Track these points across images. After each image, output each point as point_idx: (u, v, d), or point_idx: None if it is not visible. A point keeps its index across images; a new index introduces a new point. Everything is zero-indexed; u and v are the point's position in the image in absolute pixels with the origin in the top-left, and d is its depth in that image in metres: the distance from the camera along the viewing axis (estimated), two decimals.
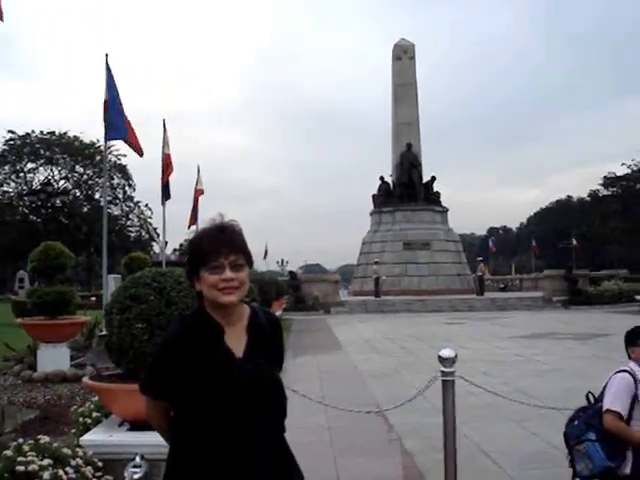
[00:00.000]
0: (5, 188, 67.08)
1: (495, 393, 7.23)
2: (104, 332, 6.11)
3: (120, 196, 69.21)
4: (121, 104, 15.35)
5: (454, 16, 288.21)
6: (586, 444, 4.45)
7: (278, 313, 25.50)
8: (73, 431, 6.39)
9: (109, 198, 59.73)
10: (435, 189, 49.32)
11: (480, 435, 8.06)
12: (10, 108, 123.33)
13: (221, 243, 2.49)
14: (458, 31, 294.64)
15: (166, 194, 21.94)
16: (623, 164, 70.00)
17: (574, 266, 49.34)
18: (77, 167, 67.72)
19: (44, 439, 5.11)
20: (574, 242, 74.10)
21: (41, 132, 65.19)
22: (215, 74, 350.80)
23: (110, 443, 5.07)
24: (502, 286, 54.89)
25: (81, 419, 6.05)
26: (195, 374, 2.41)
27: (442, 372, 5.60)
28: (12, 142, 65.19)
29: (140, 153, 16.36)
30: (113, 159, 62.40)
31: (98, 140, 58.93)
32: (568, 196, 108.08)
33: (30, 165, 66.96)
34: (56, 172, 67.83)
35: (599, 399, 4.63)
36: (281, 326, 2.83)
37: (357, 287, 48.59)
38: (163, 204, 22.22)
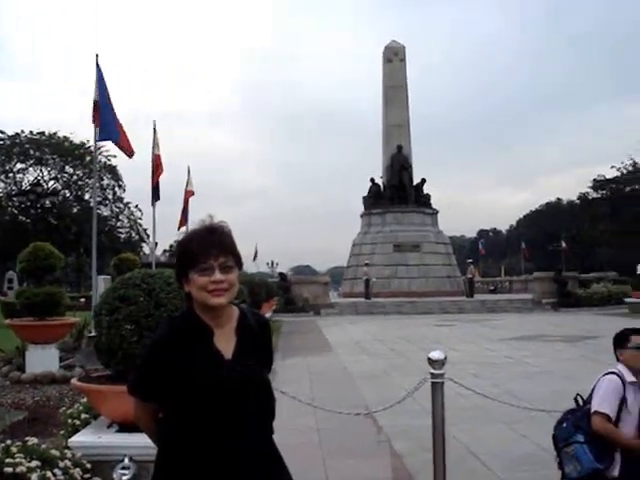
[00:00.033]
0: None
1: (484, 395, 7.24)
2: (93, 333, 6.10)
3: (110, 197, 68.87)
4: (112, 104, 15.32)
5: (453, 16, 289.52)
6: (574, 446, 4.46)
7: (268, 315, 25.48)
8: (62, 432, 6.37)
9: (99, 199, 59.57)
10: (425, 191, 49.44)
11: (469, 437, 8.07)
12: (9, 109, 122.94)
13: (210, 245, 2.48)
14: (455, 31, 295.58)
15: (156, 195, 21.89)
16: (612, 167, 70.27)
17: (563, 268, 49.54)
18: (67, 168, 67.32)
19: (32, 441, 5.10)
20: (563, 244, 74.31)
21: (31, 132, 64.82)
22: (202, 75, 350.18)
23: (99, 445, 5.06)
24: (492, 288, 55.07)
25: (70, 420, 6.03)
26: (184, 376, 2.41)
27: (431, 374, 5.61)
28: (1, 142, 64.85)
29: (130, 154, 16.33)
30: (103, 160, 62.16)
31: (88, 141, 58.73)
32: (558, 199, 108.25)
33: (19, 165, 66.55)
34: (46, 172, 67.46)
35: (587, 401, 4.65)
36: (270, 327, 2.83)
37: (347, 289, 48.61)
38: (153, 205, 22.15)
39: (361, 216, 50.61)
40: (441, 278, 45.94)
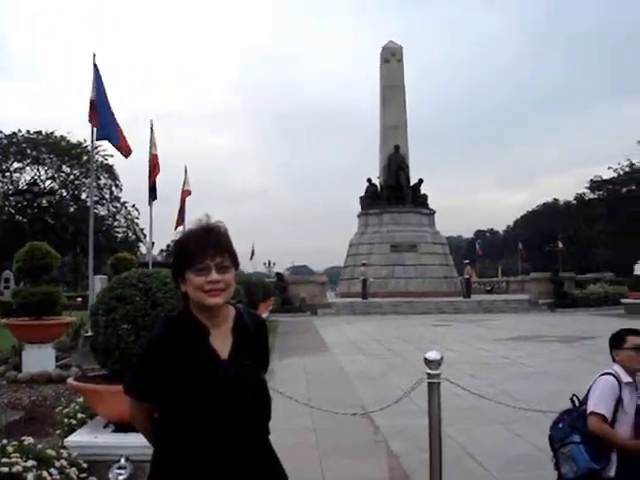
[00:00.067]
0: None
1: (481, 395, 7.24)
2: (90, 333, 6.09)
3: (107, 196, 68.82)
4: (109, 103, 15.33)
5: (452, 16, 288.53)
6: (570, 447, 4.47)
7: (265, 315, 25.48)
8: (58, 432, 6.36)
9: (96, 198, 59.49)
10: (422, 192, 49.50)
11: (466, 437, 8.07)
12: (9, 109, 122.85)
13: (207, 244, 2.48)
14: (455, 31, 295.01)
15: (153, 195, 21.90)
16: (609, 167, 70.36)
17: (560, 269, 49.56)
18: (64, 167, 67.29)
19: (28, 440, 5.10)
20: (560, 245, 74.40)
21: (28, 131, 64.76)
22: (201, 75, 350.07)
23: (95, 444, 5.06)
24: (488, 288, 55.19)
25: (66, 420, 6.03)
26: (180, 375, 2.41)
27: (428, 374, 5.61)
28: None
29: (127, 154, 16.32)
30: (100, 159, 62.12)
31: (85, 140, 58.82)
32: (555, 199, 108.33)
33: (16, 165, 66.54)
34: (42, 172, 67.41)
35: (584, 402, 4.65)
36: (267, 327, 2.83)
37: (344, 289, 48.63)
38: (150, 205, 22.18)
39: (358, 216, 50.65)
40: (438, 278, 45.97)
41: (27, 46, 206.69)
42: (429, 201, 49.66)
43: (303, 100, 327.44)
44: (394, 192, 48.07)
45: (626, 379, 4.56)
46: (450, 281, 46.90)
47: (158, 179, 22.12)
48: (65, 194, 68.89)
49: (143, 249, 65.87)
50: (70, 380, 5.88)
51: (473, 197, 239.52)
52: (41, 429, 8.09)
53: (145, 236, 63.34)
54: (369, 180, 50.14)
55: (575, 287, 40.08)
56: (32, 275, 13.44)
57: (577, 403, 4.74)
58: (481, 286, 57.07)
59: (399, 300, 39.29)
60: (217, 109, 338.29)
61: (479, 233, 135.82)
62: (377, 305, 38.24)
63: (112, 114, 15.46)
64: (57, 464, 4.72)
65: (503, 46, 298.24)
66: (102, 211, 67.63)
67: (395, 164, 48.53)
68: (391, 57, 50.78)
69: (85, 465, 4.91)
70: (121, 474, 4.63)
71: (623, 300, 34.36)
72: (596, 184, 72.75)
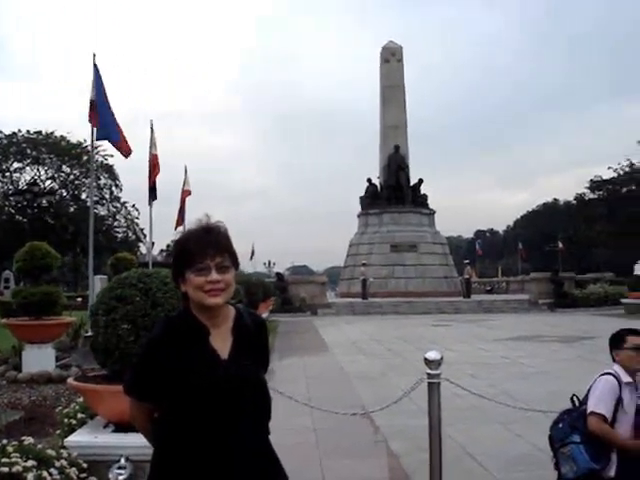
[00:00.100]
0: None
1: (481, 395, 7.24)
2: (90, 333, 6.09)
3: (107, 196, 68.81)
4: (109, 103, 15.34)
5: (453, 15, 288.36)
6: (570, 446, 4.47)
7: (265, 315, 25.48)
8: (58, 432, 6.36)
9: (96, 198, 59.48)
10: (422, 192, 49.50)
11: (466, 437, 8.07)
12: (9, 109, 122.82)
13: (207, 244, 2.48)
14: (455, 31, 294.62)
15: (153, 195, 21.91)
16: (609, 168, 70.38)
17: (560, 269, 49.57)
18: (64, 167, 67.28)
19: (28, 440, 5.10)
20: (560, 245, 74.43)
21: (28, 132, 64.76)
22: (202, 75, 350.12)
23: (95, 444, 5.06)
24: (489, 288, 55.20)
25: (66, 420, 6.03)
26: (180, 375, 2.41)
27: (428, 374, 5.61)
28: None
29: (127, 154, 16.31)
30: (100, 159, 62.13)
31: (85, 140, 58.80)
32: (555, 199, 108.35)
33: (16, 165, 66.55)
34: (42, 172, 67.40)
35: (584, 402, 4.65)
36: (267, 328, 2.83)
37: (344, 289, 48.63)
38: (150, 205, 22.18)
39: (358, 216, 50.66)
40: (438, 278, 45.97)
41: (27, 46, 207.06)
42: (429, 201, 49.72)
43: (303, 100, 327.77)
44: (394, 192, 48.09)
45: (626, 379, 4.56)
46: (450, 281, 46.89)
47: (158, 179, 22.14)
48: (65, 194, 68.89)
49: (143, 249, 65.90)
50: (70, 380, 5.89)
51: (473, 197, 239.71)
52: (41, 429, 8.09)
53: (145, 236, 63.40)
54: (369, 180, 50.17)
55: (575, 287, 40.09)
56: (32, 275, 13.44)
57: (577, 403, 4.74)
58: (481, 286, 57.07)
59: (399, 300, 39.28)
60: (217, 109, 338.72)
61: (479, 233, 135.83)
62: (377, 305, 38.24)
63: (112, 114, 15.46)
64: (57, 464, 4.72)
65: (503, 46, 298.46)
66: (102, 211, 67.65)
67: (395, 164, 48.55)
68: (391, 57, 50.79)
69: (85, 465, 4.91)
70: (121, 474, 4.63)
71: (623, 300, 34.36)
72: (596, 184, 72.77)
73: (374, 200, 49.13)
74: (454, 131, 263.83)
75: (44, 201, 64.55)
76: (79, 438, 5.21)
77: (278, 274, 44.54)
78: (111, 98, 15.50)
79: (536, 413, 7.10)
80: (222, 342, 2.52)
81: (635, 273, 37.15)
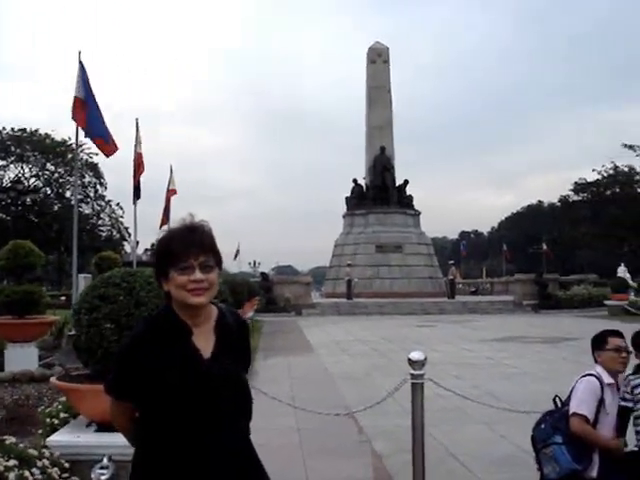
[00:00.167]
0: None
1: (464, 396, 7.26)
2: (73, 332, 6.06)
3: (91, 195, 68.51)
4: (96, 101, 15.26)
5: (447, 15, 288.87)
6: (553, 447, 4.49)
7: (249, 314, 25.42)
8: (40, 432, 6.32)
9: (80, 197, 59.24)
10: (408, 192, 49.61)
11: (449, 438, 8.09)
12: (9, 109, 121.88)
13: (191, 243, 2.47)
14: (448, 31, 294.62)
15: (137, 194, 21.82)
16: (594, 170, 70.74)
17: (544, 270, 49.85)
18: (48, 165, 66.89)
19: (10, 440, 5.06)
20: (544, 247, 74.76)
21: (12, 129, 64.36)
22: (190, 74, 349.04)
23: (77, 444, 5.03)
24: (473, 290, 55.45)
25: (48, 420, 5.99)
26: (161, 374, 2.40)
27: (412, 375, 5.62)
28: None
29: (109, 153, 16.19)
30: (85, 157, 61.86)
31: (70, 138, 58.44)
32: (539, 201, 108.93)
33: (0, 162, 66.21)
34: (26, 170, 66.98)
35: (566, 403, 4.68)
36: (249, 328, 2.83)
37: (329, 289, 48.68)
38: (134, 204, 22.08)
39: (344, 217, 50.74)
40: (423, 279, 46.09)
41: (27, 46, 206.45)
42: (414, 202, 49.85)
43: (292, 99, 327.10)
44: (380, 193, 48.20)
45: (608, 380, 4.59)
46: (435, 282, 47.03)
47: (143, 178, 22.05)
48: (49, 192, 68.52)
49: (127, 248, 65.63)
50: (53, 379, 5.85)
51: (458, 198, 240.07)
52: (23, 429, 8.03)
53: (129, 235, 63.18)
54: (355, 181, 50.27)
55: (559, 289, 40.33)
56: (15, 273, 13.36)
57: (559, 404, 4.77)
58: (466, 287, 57.33)
59: (384, 301, 39.34)
60: (203, 107, 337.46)
61: (464, 234, 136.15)
62: (362, 305, 38.28)
63: (100, 112, 15.38)
64: (39, 464, 4.69)
65: (499, 46, 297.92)
66: (86, 210, 67.33)
67: (381, 165, 48.68)
68: (377, 58, 50.90)
69: (67, 465, 4.88)
70: (103, 474, 4.60)
71: (606, 302, 34.56)
72: (580, 186, 73.11)
73: (360, 201, 49.23)
74: (439, 131, 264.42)
75: (28, 199, 64.40)
76: (61, 438, 5.18)
77: (263, 274, 44.48)
78: (97, 96, 15.44)
79: (520, 414, 7.12)
80: (205, 341, 2.51)
81: (618, 275, 37.47)
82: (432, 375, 6.14)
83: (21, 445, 5.04)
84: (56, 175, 67.59)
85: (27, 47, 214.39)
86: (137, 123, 22.47)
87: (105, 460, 4.65)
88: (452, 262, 48.18)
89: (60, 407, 6.09)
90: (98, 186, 68.87)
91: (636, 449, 4.59)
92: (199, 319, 2.53)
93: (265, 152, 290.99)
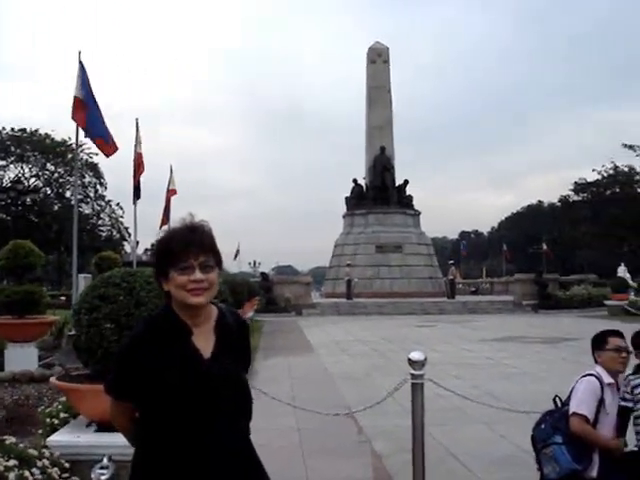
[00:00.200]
0: None
1: (464, 396, 7.27)
2: (73, 332, 6.06)
3: (91, 195, 68.50)
4: (96, 101, 15.25)
5: (448, 15, 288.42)
6: (553, 447, 4.49)
7: (250, 314, 25.44)
8: (40, 432, 6.32)
9: (80, 197, 59.22)
10: (408, 192, 49.60)
11: (449, 438, 8.08)
12: (9, 109, 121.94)
13: (191, 243, 2.47)
14: (449, 31, 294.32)
15: (137, 194, 21.81)
16: (594, 170, 70.73)
17: (544, 270, 49.81)
18: (48, 165, 66.86)
19: (10, 440, 5.06)
20: (544, 247, 74.78)
21: (12, 129, 64.31)
22: (191, 75, 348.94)
23: (77, 444, 5.03)
24: (473, 289, 55.43)
25: (48, 420, 5.99)
26: (161, 374, 2.40)
27: (412, 375, 5.62)
28: None
29: (109, 154, 16.18)
30: (85, 157, 61.85)
31: (70, 138, 58.40)
32: (539, 201, 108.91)
33: (0, 162, 66.18)
34: (27, 170, 66.97)
35: (566, 403, 4.68)
36: (248, 328, 2.83)
37: (329, 289, 48.67)
38: (134, 204, 22.08)
39: (344, 217, 50.73)
40: (423, 279, 46.08)
41: (27, 46, 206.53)
42: (414, 202, 49.86)
43: (292, 99, 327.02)
44: (379, 193, 48.20)
45: (608, 380, 4.59)
46: (435, 282, 47.02)
47: (143, 178, 22.05)
48: (49, 192, 68.51)
49: (127, 248, 65.64)
50: (53, 379, 5.85)
51: (458, 198, 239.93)
52: (23, 429, 8.03)
53: (129, 235, 63.18)
54: (355, 181, 50.27)
55: (559, 288, 40.33)
56: (15, 274, 13.36)
57: (559, 404, 4.77)
58: (465, 287, 57.31)
59: (384, 301, 39.34)
60: (204, 108, 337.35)
61: (464, 234, 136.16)
62: (362, 306, 38.28)
63: (100, 112, 15.37)
64: (39, 464, 4.69)
65: (498, 46, 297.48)
66: (86, 210, 67.32)
67: (381, 165, 48.68)
68: (377, 58, 50.89)
69: (67, 465, 4.88)
70: (103, 474, 4.60)
71: (606, 302, 34.55)
72: (580, 186, 73.10)
73: (360, 201, 49.23)
74: (440, 132, 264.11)
75: (28, 199, 64.32)
76: (61, 437, 5.18)
77: (263, 274, 44.47)
78: (97, 96, 15.44)
79: (519, 414, 7.13)
80: (205, 341, 2.51)
81: (618, 275, 37.47)
82: (432, 375, 6.14)
83: (21, 445, 5.03)
84: (56, 175, 67.59)
85: (27, 47, 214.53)
86: (137, 123, 22.48)
87: (105, 460, 4.65)
88: (452, 262, 48.16)
89: (60, 407, 6.09)
90: (98, 186, 68.88)
91: (636, 449, 4.60)
92: (199, 319, 2.53)
93: (265, 152, 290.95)
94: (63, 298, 36.59)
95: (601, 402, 4.53)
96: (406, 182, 49.61)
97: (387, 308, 37.35)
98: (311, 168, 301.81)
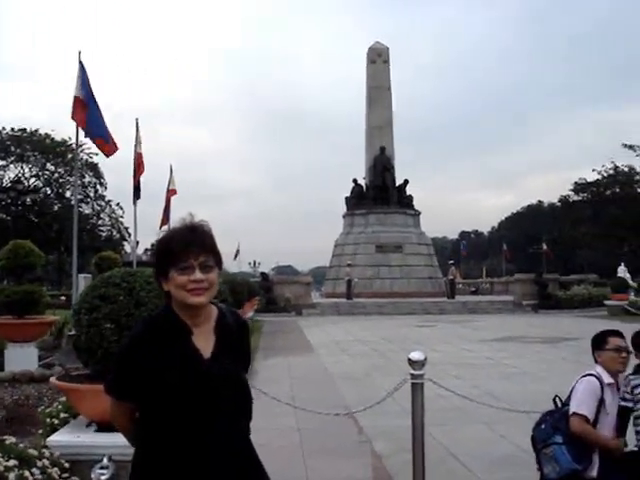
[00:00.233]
0: None
1: (464, 396, 7.26)
2: (73, 332, 6.06)
3: (91, 195, 68.48)
4: (96, 101, 15.26)
5: (448, 15, 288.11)
6: (553, 447, 4.49)
7: (250, 314, 25.44)
8: (40, 432, 6.33)
9: (80, 197, 59.21)
10: (408, 192, 49.60)
11: (449, 438, 8.08)
12: (9, 109, 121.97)
13: (191, 243, 2.47)
14: (449, 31, 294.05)
15: (137, 194, 21.81)
16: (594, 170, 70.72)
17: (544, 270, 49.84)
18: (48, 165, 66.84)
19: (10, 440, 5.06)
20: (544, 247, 74.78)
21: (12, 129, 64.30)
22: (189, 75, 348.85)
23: (77, 444, 5.03)
24: (473, 289, 55.43)
25: (48, 420, 5.99)
26: (161, 374, 2.40)
27: (412, 375, 5.62)
28: None
29: (110, 153, 16.18)
30: (85, 157, 61.84)
31: (70, 138, 58.40)
32: (539, 201, 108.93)
33: (0, 162, 66.18)
34: (27, 170, 66.94)
35: (566, 403, 4.68)
36: (249, 328, 2.82)
37: (329, 289, 48.66)
38: (134, 204, 22.07)
39: (344, 217, 50.72)
40: (423, 279, 46.07)
41: (27, 46, 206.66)
42: (414, 202, 49.85)
43: (292, 99, 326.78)
44: (380, 193, 48.19)
45: (608, 380, 4.59)
46: (435, 282, 47.01)
47: (143, 178, 22.05)
48: (49, 192, 68.49)
49: (127, 248, 65.62)
50: (52, 379, 5.85)
51: (458, 198, 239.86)
52: (23, 429, 8.03)
53: (129, 235, 63.16)
54: (355, 181, 50.26)
55: (559, 288, 40.31)
56: (15, 273, 13.36)
57: (559, 404, 4.77)
58: (466, 287, 57.30)
59: (384, 301, 39.34)
60: (204, 108, 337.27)
61: (464, 234, 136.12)
62: (362, 306, 38.28)
63: (100, 112, 15.37)
64: (39, 464, 4.69)
65: (498, 46, 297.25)
66: (86, 210, 67.30)
67: (381, 165, 48.68)
68: (377, 58, 50.89)
69: (67, 465, 4.88)
70: (103, 474, 4.61)
71: (606, 302, 34.55)
72: (580, 186, 73.10)
73: (360, 201, 49.23)
74: (440, 132, 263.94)
75: (28, 199, 64.38)
76: (61, 437, 5.18)
77: (263, 274, 44.48)
78: (97, 96, 15.44)
79: (519, 414, 7.13)
80: (205, 341, 2.52)
81: (618, 275, 37.45)
82: (432, 375, 6.14)
83: (21, 445, 5.04)
84: (56, 175, 67.57)
85: (27, 47, 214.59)
86: (137, 123, 22.48)
87: (105, 460, 4.65)
88: (452, 262, 48.15)
89: (60, 407, 6.09)
90: (98, 186, 68.86)
91: (636, 449, 4.60)
92: (199, 319, 2.53)
93: (265, 152, 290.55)
94: (63, 298, 36.58)
95: (601, 402, 4.53)
96: (406, 182, 49.61)
97: (387, 308, 37.35)
98: (311, 168, 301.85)
